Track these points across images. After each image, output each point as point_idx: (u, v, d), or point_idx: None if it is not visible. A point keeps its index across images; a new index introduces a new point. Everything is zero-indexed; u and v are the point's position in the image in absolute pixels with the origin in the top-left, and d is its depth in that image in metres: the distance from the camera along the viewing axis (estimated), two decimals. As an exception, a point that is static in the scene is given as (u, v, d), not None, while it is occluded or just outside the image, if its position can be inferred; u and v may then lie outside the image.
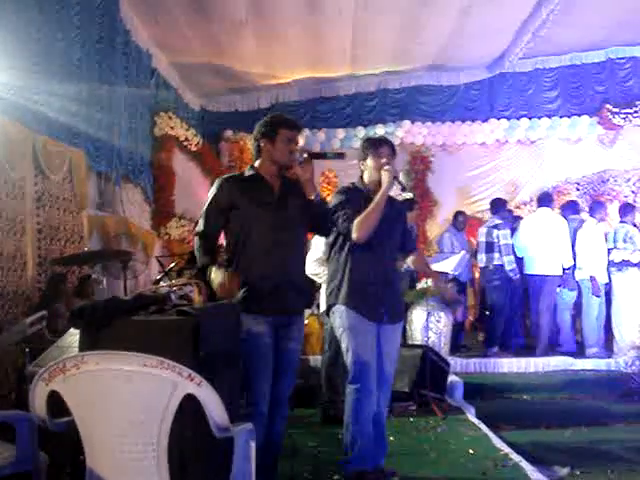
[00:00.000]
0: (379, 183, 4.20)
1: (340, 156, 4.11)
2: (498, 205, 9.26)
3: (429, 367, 6.49)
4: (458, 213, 10.38)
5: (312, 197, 3.80)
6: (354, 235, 4.12)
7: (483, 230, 8.88)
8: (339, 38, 11.33)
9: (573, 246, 8.79)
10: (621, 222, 8.85)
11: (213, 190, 3.80)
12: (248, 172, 3.86)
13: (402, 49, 12.12)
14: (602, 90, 13.46)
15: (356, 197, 4.24)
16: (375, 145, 4.33)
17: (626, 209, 8.99)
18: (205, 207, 3.80)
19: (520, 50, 12.20)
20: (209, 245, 3.77)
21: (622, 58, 13.35)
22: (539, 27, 10.99)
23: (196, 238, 3.82)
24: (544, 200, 9.17)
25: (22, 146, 6.22)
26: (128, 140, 9.59)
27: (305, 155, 3.80)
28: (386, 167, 4.19)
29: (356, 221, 4.10)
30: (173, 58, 11.66)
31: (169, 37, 10.78)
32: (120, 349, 2.39)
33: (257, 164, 3.87)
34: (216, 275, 3.56)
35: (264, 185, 3.80)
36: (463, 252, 8.35)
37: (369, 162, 4.31)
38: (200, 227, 3.80)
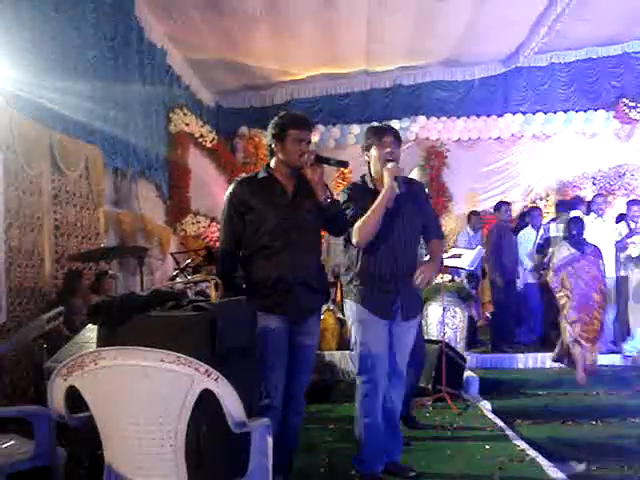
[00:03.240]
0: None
1: (343, 164, 4.02)
2: (563, 203, 9.67)
3: (445, 362, 6.50)
4: (471, 214, 10.35)
5: (322, 199, 3.73)
6: (353, 240, 4.02)
7: (558, 227, 8.92)
8: (354, 34, 11.34)
9: None
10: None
11: (227, 195, 3.79)
12: (262, 173, 3.84)
13: (417, 45, 12.10)
14: (618, 84, 13.42)
15: (360, 195, 4.10)
16: (378, 134, 4.15)
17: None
18: (223, 215, 3.79)
19: (535, 44, 12.17)
20: (234, 259, 3.78)
21: (638, 52, 13.28)
22: (554, 21, 10.95)
23: (221, 250, 3.83)
24: (576, 204, 9.40)
25: (39, 143, 6.26)
26: (143, 137, 9.63)
27: (312, 157, 3.75)
28: (388, 165, 4.00)
29: (355, 226, 3.98)
30: (188, 55, 11.71)
31: (183, 34, 10.81)
32: (137, 344, 2.39)
33: (272, 164, 3.87)
34: None
35: (277, 186, 3.78)
36: (479, 247, 8.31)
37: (373, 152, 4.14)
38: (222, 239, 3.82)
